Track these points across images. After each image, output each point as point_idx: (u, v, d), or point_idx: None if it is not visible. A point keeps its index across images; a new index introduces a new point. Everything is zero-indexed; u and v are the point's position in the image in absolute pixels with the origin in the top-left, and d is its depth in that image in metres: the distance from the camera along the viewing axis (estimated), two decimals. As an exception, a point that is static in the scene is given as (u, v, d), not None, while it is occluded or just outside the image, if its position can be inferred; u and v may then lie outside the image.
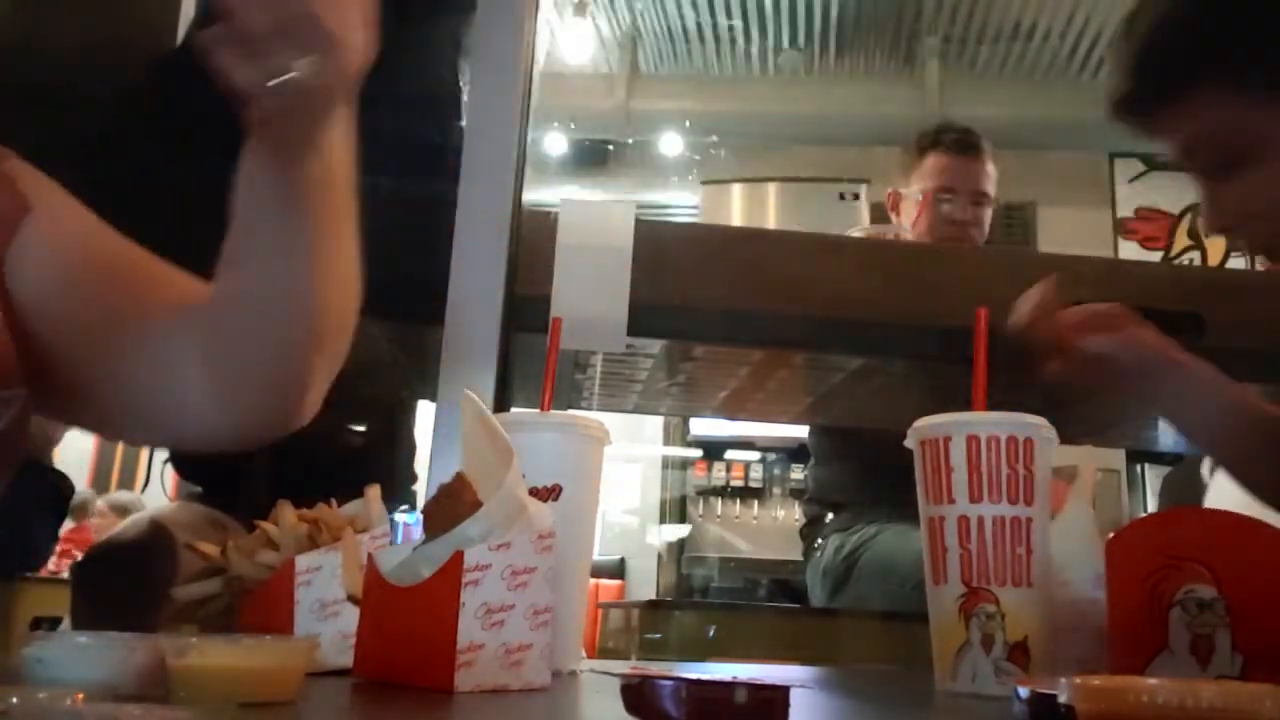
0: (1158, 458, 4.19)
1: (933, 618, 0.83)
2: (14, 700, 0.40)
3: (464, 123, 1.32)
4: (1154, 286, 1.41)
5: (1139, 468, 4.84)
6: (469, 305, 1.20)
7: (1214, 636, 0.66)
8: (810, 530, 2.26)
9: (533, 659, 0.67)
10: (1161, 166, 5.58)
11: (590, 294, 1.24)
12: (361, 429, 2.02)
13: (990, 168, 2.16)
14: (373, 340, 1.42)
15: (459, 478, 0.68)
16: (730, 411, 1.84)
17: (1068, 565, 0.85)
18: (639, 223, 1.27)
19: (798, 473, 5.10)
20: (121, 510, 4.07)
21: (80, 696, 0.41)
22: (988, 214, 2.13)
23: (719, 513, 5.33)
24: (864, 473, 2.12)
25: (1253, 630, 0.65)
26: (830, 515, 2.19)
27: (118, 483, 4.79)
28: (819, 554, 2.16)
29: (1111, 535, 0.74)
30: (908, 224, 2.14)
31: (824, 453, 2.29)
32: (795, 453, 5.11)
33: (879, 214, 2.65)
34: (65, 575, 2.37)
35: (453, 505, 0.66)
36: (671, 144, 5.53)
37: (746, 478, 5.62)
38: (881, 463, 1.61)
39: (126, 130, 1.33)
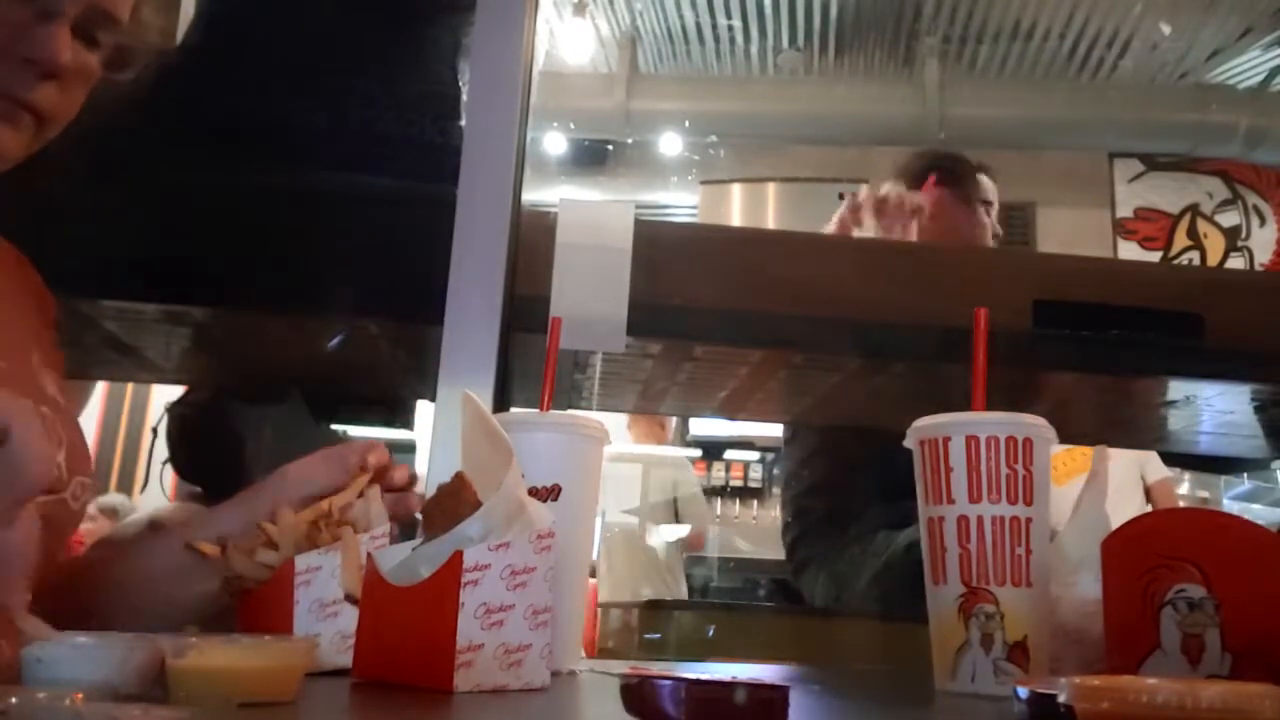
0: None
1: (932, 618, 0.83)
2: (14, 700, 0.40)
3: (464, 123, 1.32)
4: (1153, 286, 1.41)
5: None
6: (469, 305, 1.20)
7: (1204, 636, 0.66)
8: (817, 528, 2.23)
9: (532, 659, 0.67)
10: (1161, 167, 5.58)
11: (590, 294, 1.24)
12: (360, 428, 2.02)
13: (982, 194, 2.25)
14: (373, 340, 1.42)
15: (459, 478, 0.68)
16: (730, 411, 1.84)
17: (1080, 565, 0.85)
18: (639, 223, 1.27)
19: (799, 473, 5.09)
20: (111, 512, 4.05)
21: (80, 696, 0.41)
22: (989, 217, 2.21)
23: (719, 513, 5.33)
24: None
25: (1241, 629, 0.65)
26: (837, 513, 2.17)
27: (116, 484, 4.79)
28: (857, 549, 2.10)
29: (1107, 536, 0.74)
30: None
31: (850, 446, 2.23)
32: (795, 452, 5.10)
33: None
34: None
35: (452, 505, 0.66)
36: (671, 144, 5.53)
37: (746, 478, 5.62)
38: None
39: (125, 130, 1.33)
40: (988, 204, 2.23)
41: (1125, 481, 3.60)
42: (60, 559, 0.86)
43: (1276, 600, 0.65)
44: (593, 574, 0.97)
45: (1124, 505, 2.94)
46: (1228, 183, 5.59)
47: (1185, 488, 4.36)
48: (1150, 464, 3.71)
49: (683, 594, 4.27)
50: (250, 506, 0.89)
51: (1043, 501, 0.81)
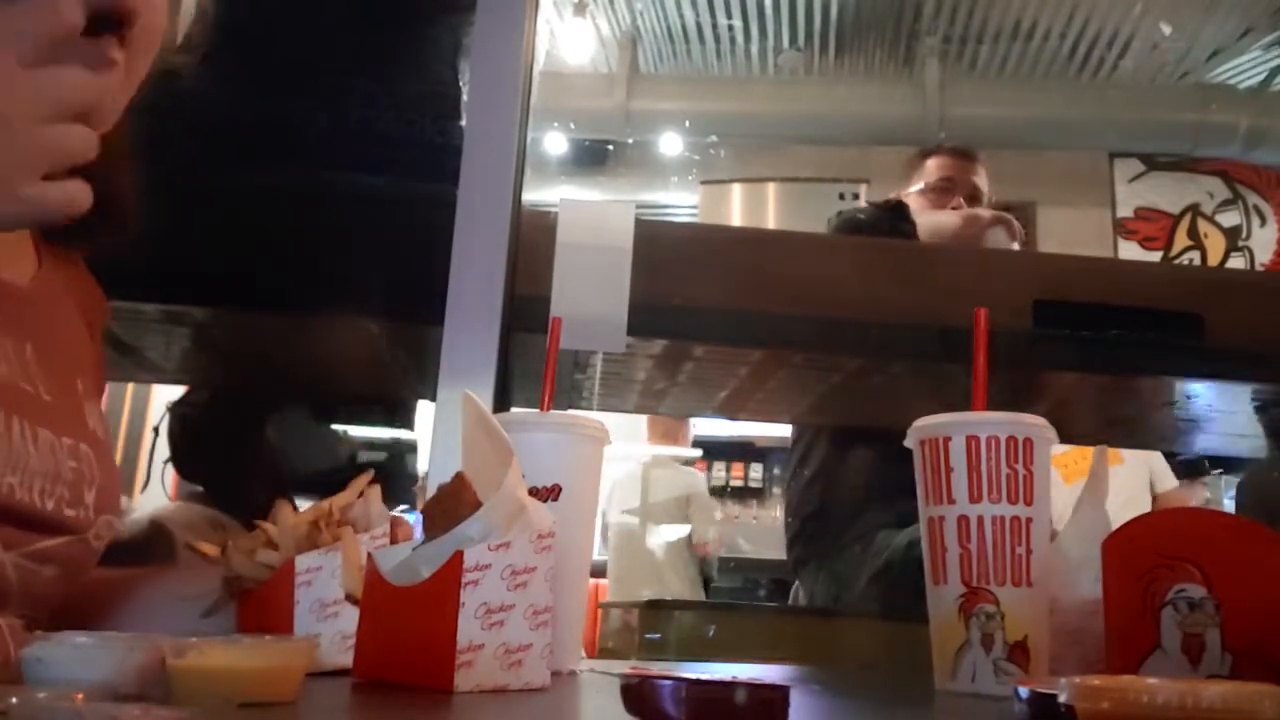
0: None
1: (933, 618, 0.83)
2: (14, 700, 0.40)
3: (464, 123, 1.32)
4: (1153, 286, 1.41)
5: (1139, 468, 4.84)
6: (469, 305, 1.20)
7: (1204, 636, 0.66)
8: (817, 526, 2.23)
9: (532, 659, 0.67)
10: (1161, 167, 5.58)
11: (590, 294, 1.24)
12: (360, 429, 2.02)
13: (985, 174, 2.31)
14: (373, 340, 1.42)
15: (459, 478, 0.68)
16: (730, 411, 1.84)
17: (1080, 565, 0.85)
18: (639, 223, 1.27)
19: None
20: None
21: (80, 696, 0.41)
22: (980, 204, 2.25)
23: (719, 513, 5.33)
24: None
25: (1241, 629, 0.65)
26: (838, 511, 2.17)
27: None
28: (858, 548, 2.11)
29: (1107, 536, 0.74)
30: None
31: (852, 446, 2.23)
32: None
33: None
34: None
35: (453, 505, 0.66)
36: (671, 144, 5.53)
37: (746, 478, 5.63)
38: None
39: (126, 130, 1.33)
40: (980, 191, 2.26)
41: (1136, 491, 3.56)
42: (74, 591, 0.86)
43: (1276, 600, 0.65)
44: (594, 574, 0.97)
45: (1133, 514, 2.90)
46: (1228, 183, 5.60)
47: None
48: (1159, 472, 3.67)
49: (700, 594, 4.33)
50: None
51: (1043, 501, 0.81)
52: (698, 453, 5.34)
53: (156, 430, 1.96)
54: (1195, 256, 5.54)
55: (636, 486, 4.47)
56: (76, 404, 0.83)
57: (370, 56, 1.42)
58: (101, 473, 0.82)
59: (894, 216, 2.16)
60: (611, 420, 0.97)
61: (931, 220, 2.14)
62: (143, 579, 0.92)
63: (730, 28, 5.01)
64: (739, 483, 5.56)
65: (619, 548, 4.40)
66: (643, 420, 4.76)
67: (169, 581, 0.91)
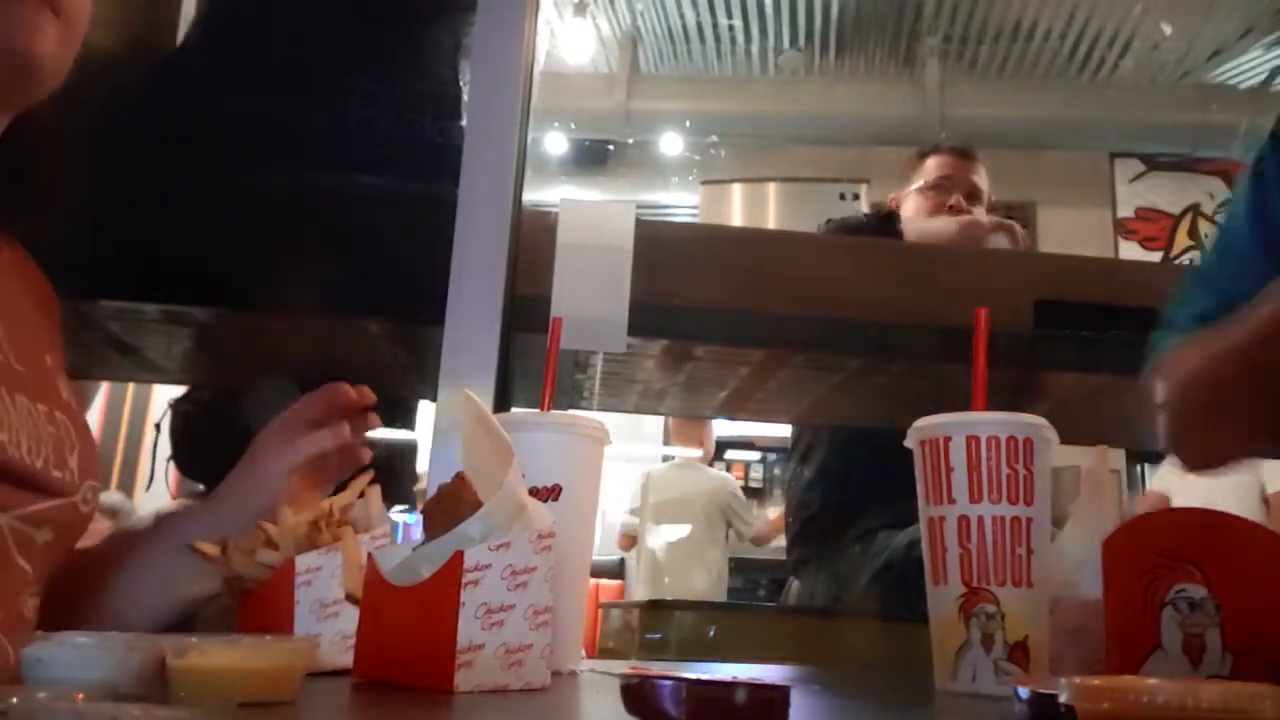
0: (1159, 457, 4.19)
1: (933, 618, 0.83)
2: (14, 700, 0.40)
3: (464, 123, 1.32)
4: (1153, 286, 1.41)
5: (1139, 468, 4.85)
6: (469, 305, 1.20)
7: (1204, 636, 0.66)
8: (817, 526, 2.23)
9: (532, 659, 0.67)
10: (1162, 167, 5.58)
11: (590, 294, 1.24)
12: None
13: (984, 173, 2.29)
14: (373, 340, 1.42)
15: (459, 478, 0.68)
16: (730, 411, 1.84)
17: (1079, 565, 0.85)
18: (639, 223, 1.27)
19: (800, 472, 5.11)
20: (111, 513, 4.03)
21: (80, 696, 0.41)
22: (981, 212, 2.22)
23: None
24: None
25: (1241, 629, 0.65)
26: (844, 512, 2.16)
27: (117, 483, 4.80)
28: (858, 548, 2.10)
29: (1108, 536, 0.74)
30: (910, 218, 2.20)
31: (852, 446, 2.22)
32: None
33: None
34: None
35: (453, 505, 0.66)
36: (671, 144, 5.54)
37: (747, 478, 5.63)
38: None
39: (125, 130, 1.33)
40: (979, 190, 2.25)
41: (1233, 494, 3.21)
42: (69, 560, 0.86)
43: (1276, 600, 0.65)
44: (594, 574, 0.97)
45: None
46: (1229, 183, 5.59)
47: (1187, 487, 4.30)
48: (1274, 471, 3.30)
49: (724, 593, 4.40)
50: (241, 500, 0.90)
51: (1043, 501, 0.81)
52: (698, 453, 5.35)
53: (158, 427, 1.96)
54: (1196, 256, 5.54)
55: (662, 487, 4.52)
56: (48, 375, 0.84)
57: (370, 56, 1.42)
58: (80, 440, 0.83)
59: (883, 224, 2.16)
60: (612, 420, 0.97)
61: (924, 227, 2.13)
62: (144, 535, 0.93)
63: (730, 28, 5.01)
64: (739, 483, 5.55)
65: (648, 546, 4.47)
66: (645, 421, 4.77)
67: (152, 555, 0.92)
